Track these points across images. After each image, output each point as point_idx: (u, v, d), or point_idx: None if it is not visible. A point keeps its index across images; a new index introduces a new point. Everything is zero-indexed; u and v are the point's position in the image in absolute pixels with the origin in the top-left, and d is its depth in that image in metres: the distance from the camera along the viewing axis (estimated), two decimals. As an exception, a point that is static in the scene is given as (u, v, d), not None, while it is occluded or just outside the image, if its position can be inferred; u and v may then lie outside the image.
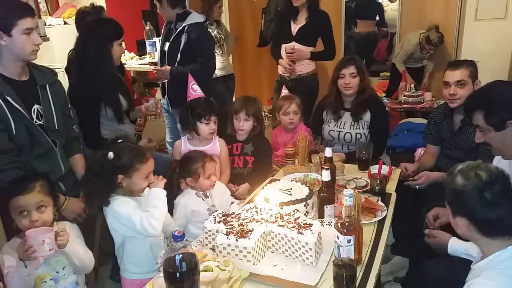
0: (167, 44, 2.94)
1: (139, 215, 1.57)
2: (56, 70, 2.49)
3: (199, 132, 2.24)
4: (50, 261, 1.54)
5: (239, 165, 2.40)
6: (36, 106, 1.87)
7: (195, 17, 2.94)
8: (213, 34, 4.03)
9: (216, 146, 2.30)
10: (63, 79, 2.72)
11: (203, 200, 1.92)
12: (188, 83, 2.26)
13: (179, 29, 2.90)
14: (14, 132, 1.77)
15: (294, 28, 3.30)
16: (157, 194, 1.63)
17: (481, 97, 1.74)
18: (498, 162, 1.80)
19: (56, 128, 1.95)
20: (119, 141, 1.67)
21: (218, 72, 4.12)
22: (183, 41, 2.88)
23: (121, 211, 1.58)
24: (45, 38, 2.73)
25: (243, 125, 2.36)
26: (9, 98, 1.75)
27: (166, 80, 2.94)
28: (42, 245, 1.40)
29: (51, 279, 1.54)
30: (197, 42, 2.88)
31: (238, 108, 2.36)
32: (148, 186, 1.67)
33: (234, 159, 2.40)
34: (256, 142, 2.41)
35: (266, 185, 1.97)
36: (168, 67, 2.89)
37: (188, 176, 1.90)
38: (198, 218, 1.87)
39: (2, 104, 1.74)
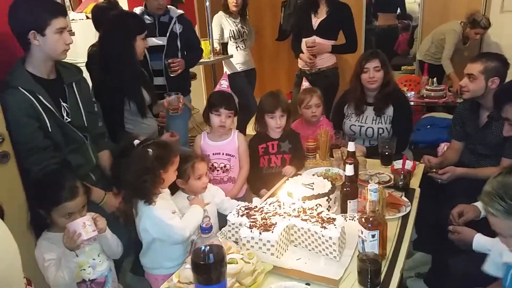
0: (162, 38, 2.96)
1: (177, 226, 1.61)
2: (79, 65, 2.55)
3: (210, 123, 2.24)
4: (85, 249, 1.59)
5: (276, 164, 2.32)
6: (63, 104, 1.91)
7: (176, 10, 3.06)
8: (236, 28, 4.04)
9: (235, 141, 2.29)
10: (85, 75, 2.77)
11: None
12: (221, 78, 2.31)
13: (171, 22, 2.97)
14: (50, 130, 1.81)
15: (315, 21, 3.28)
16: (197, 212, 1.70)
17: None
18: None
19: (85, 124, 1.99)
20: (136, 141, 1.68)
21: (240, 67, 4.15)
22: (178, 31, 2.95)
23: (162, 217, 1.60)
24: (71, 33, 2.76)
25: (281, 122, 2.25)
26: (41, 97, 1.79)
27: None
28: (85, 227, 1.49)
29: (89, 267, 1.60)
30: (190, 32, 3.06)
31: (272, 107, 2.23)
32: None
33: (270, 158, 2.33)
34: (292, 139, 2.34)
35: (288, 179, 1.97)
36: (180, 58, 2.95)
37: (178, 177, 1.80)
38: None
39: (36, 102, 1.78)
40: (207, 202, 1.83)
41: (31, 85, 1.78)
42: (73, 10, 3.84)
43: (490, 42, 4.36)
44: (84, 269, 1.59)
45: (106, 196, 1.93)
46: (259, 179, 2.33)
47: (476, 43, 4.44)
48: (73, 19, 3.57)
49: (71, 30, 2.87)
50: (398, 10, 5.83)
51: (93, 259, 1.61)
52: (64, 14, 1.84)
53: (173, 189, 1.84)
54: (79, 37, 3.24)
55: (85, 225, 1.49)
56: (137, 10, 3.03)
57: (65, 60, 2.02)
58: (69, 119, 1.91)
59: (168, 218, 1.62)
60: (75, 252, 1.52)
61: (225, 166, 2.28)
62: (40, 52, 1.80)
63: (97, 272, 1.61)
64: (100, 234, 1.57)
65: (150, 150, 1.62)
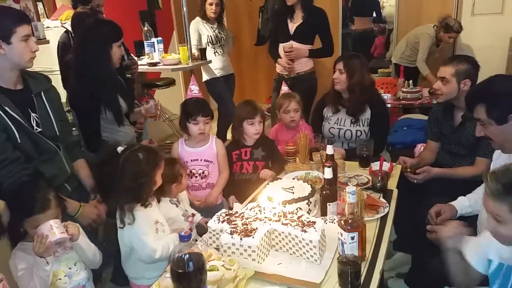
0: None
1: (152, 244, 1.58)
2: (54, 73, 2.49)
3: (189, 132, 2.24)
4: (61, 258, 1.56)
5: (248, 170, 2.35)
6: (33, 114, 1.87)
7: None
8: (214, 33, 4.04)
9: (213, 147, 2.29)
10: (60, 82, 2.72)
11: (177, 206, 1.89)
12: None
13: None
14: (19, 141, 1.77)
15: (292, 27, 3.31)
16: (174, 238, 1.66)
17: (483, 90, 1.75)
18: (498, 156, 1.82)
19: (57, 134, 1.95)
20: (120, 148, 1.66)
21: (218, 72, 4.15)
22: None
23: (138, 234, 1.58)
24: (45, 41, 2.72)
25: (260, 128, 2.29)
26: (7, 108, 1.74)
27: None
28: (52, 229, 1.44)
29: (65, 276, 1.57)
30: None
31: (251, 114, 2.27)
32: None
33: (242, 165, 2.35)
34: (265, 146, 2.36)
35: (268, 183, 1.98)
36: None
37: (173, 182, 1.83)
38: (175, 225, 1.80)
39: (2, 114, 1.73)
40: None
41: None
42: (47, 17, 3.77)
43: (462, 44, 4.48)
44: (59, 279, 1.55)
45: (81, 208, 1.89)
46: (231, 185, 2.35)
47: (449, 45, 4.57)
48: (48, 27, 3.51)
49: (45, 38, 2.84)
50: (374, 14, 5.94)
51: (69, 268, 1.57)
52: (28, 21, 1.82)
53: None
54: (54, 44, 3.20)
55: (52, 228, 1.45)
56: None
57: (34, 69, 1.98)
58: (39, 129, 1.87)
59: (144, 233, 1.59)
60: (46, 259, 1.47)
61: (203, 172, 2.28)
62: (6, 61, 1.76)
63: (73, 281, 1.57)
64: (74, 242, 1.54)
65: (140, 154, 1.61)
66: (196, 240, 1.68)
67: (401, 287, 2.24)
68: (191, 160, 2.27)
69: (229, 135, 4.20)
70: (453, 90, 2.23)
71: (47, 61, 3.26)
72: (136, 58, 3.45)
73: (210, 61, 3.98)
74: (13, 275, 1.53)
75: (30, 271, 1.51)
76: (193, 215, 1.97)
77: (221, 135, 4.08)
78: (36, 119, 1.87)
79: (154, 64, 3.68)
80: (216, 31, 4.08)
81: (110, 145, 1.71)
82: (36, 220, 1.51)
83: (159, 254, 1.59)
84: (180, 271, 1.04)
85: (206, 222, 1.81)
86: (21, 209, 1.56)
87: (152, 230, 1.62)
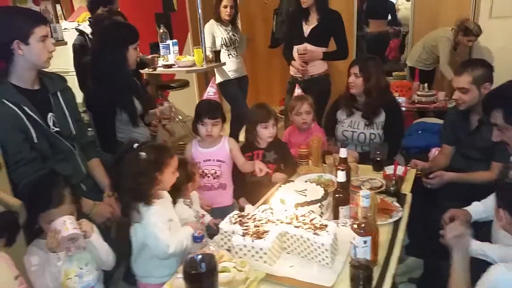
0: None
1: (166, 239, 1.58)
2: (70, 74, 2.54)
3: (198, 133, 2.26)
4: (73, 258, 1.57)
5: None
6: (50, 114, 1.90)
7: None
8: (228, 35, 4.07)
9: (225, 147, 2.30)
10: (76, 83, 2.76)
11: (190, 207, 1.90)
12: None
13: None
14: (36, 141, 1.80)
15: (306, 29, 3.31)
16: (188, 233, 1.66)
17: (500, 95, 1.72)
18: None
19: (73, 133, 1.98)
20: (136, 144, 1.69)
21: (232, 74, 4.17)
22: None
23: (152, 227, 1.59)
24: (63, 42, 2.77)
25: (273, 131, 2.31)
26: (26, 108, 1.78)
27: None
28: (65, 224, 1.46)
29: (75, 276, 1.58)
30: None
31: (265, 117, 2.28)
32: None
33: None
34: (278, 149, 2.37)
35: (280, 186, 1.98)
36: None
37: (188, 181, 1.87)
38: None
39: (21, 114, 1.76)
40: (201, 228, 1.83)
41: (15, 97, 1.77)
42: (65, 19, 3.84)
43: (480, 47, 4.42)
44: (70, 278, 1.56)
45: (95, 207, 1.92)
46: (242, 187, 2.36)
47: (466, 48, 4.50)
48: (65, 28, 3.57)
49: (63, 39, 2.89)
50: (389, 17, 5.89)
51: (80, 269, 1.58)
52: (45, 22, 1.85)
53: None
54: (71, 46, 3.26)
55: (65, 223, 1.46)
56: None
57: (51, 70, 2.02)
58: (56, 129, 1.90)
59: (159, 228, 1.60)
60: (58, 255, 1.49)
61: (215, 173, 2.29)
62: (24, 61, 1.80)
63: (83, 282, 1.58)
64: (87, 240, 1.55)
65: (142, 153, 1.62)
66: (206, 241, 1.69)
67: (413, 293, 2.22)
68: (204, 161, 2.28)
69: (241, 137, 4.23)
70: (475, 97, 2.20)
71: (64, 62, 3.32)
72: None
73: (224, 63, 4.01)
74: (27, 270, 1.55)
75: (43, 267, 1.53)
76: (203, 216, 1.99)
77: (234, 136, 4.09)
78: (53, 118, 1.91)
79: (169, 66, 3.71)
80: (230, 34, 4.10)
81: (127, 143, 1.73)
82: (50, 215, 1.53)
83: (173, 249, 1.58)
84: (192, 272, 1.04)
85: (215, 224, 1.83)
86: (36, 203, 1.59)
87: (166, 226, 1.63)
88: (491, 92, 1.98)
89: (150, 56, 3.38)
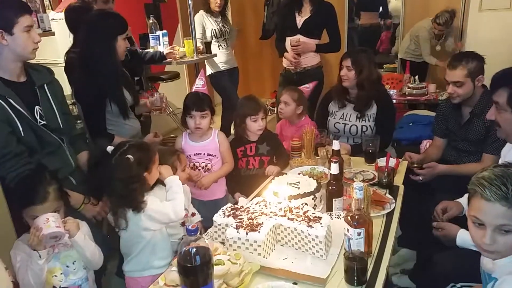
0: None
1: (168, 205, 1.61)
2: (59, 65, 2.48)
3: (187, 126, 2.24)
4: (60, 255, 1.55)
5: (254, 166, 2.34)
6: (37, 107, 1.86)
7: None
8: (218, 27, 4.02)
9: (215, 141, 2.28)
10: (63, 76, 2.70)
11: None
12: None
13: None
14: (22, 134, 1.76)
15: (299, 20, 3.28)
16: (173, 182, 1.68)
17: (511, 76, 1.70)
18: (507, 152, 1.80)
19: (61, 126, 1.94)
20: (109, 148, 1.62)
21: (222, 66, 4.13)
22: None
23: (155, 208, 1.59)
24: (50, 33, 2.71)
25: (263, 124, 2.29)
26: (11, 101, 1.73)
27: None
28: (47, 222, 1.43)
29: (61, 273, 1.55)
30: None
31: (254, 110, 2.26)
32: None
33: (248, 160, 2.34)
34: (270, 141, 2.36)
35: (273, 178, 1.97)
36: None
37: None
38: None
39: (6, 107, 1.72)
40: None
41: (1, 90, 1.73)
42: (52, 9, 3.76)
43: (469, 40, 4.45)
44: (55, 275, 1.54)
45: (82, 206, 1.88)
46: (237, 181, 2.34)
47: (457, 40, 4.55)
48: (53, 19, 3.49)
49: (51, 30, 2.83)
50: (381, 9, 5.88)
51: (67, 266, 1.56)
52: (30, 11, 1.81)
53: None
54: (59, 36, 3.19)
55: (48, 221, 1.43)
56: None
57: (39, 61, 1.97)
58: (43, 122, 1.86)
59: (159, 204, 1.61)
60: (38, 253, 1.45)
61: (206, 166, 2.27)
62: (9, 52, 1.75)
63: (69, 280, 1.55)
64: (71, 239, 1.52)
65: (130, 156, 1.56)
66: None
67: (405, 283, 2.24)
68: (194, 154, 2.26)
69: (233, 129, 4.21)
70: (469, 90, 2.20)
71: (52, 53, 3.26)
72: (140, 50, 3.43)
73: (215, 55, 3.97)
74: (13, 265, 1.52)
75: (26, 264, 1.49)
76: (193, 214, 1.97)
77: (225, 129, 4.08)
78: (40, 111, 1.87)
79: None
80: (220, 25, 4.06)
81: (102, 145, 1.68)
82: (33, 211, 1.51)
83: (181, 210, 1.62)
84: (187, 265, 1.03)
85: (205, 228, 1.79)
86: (20, 198, 1.56)
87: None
88: (505, 70, 1.93)
89: (168, 50, 3.30)
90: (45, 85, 1.92)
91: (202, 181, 2.22)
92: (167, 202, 1.63)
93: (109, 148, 1.60)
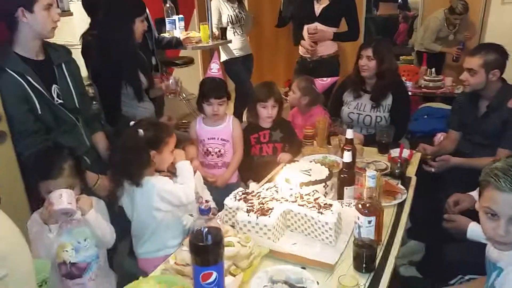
0: None
1: (182, 188, 1.64)
2: (75, 47, 2.49)
3: (204, 112, 2.24)
4: (72, 230, 1.57)
5: (268, 152, 2.35)
6: (54, 86, 1.88)
7: None
8: (234, 13, 4.01)
9: (230, 126, 2.29)
10: (80, 57, 2.72)
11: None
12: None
13: None
14: (39, 112, 1.78)
15: (318, 8, 3.25)
16: (184, 166, 1.70)
17: None
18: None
19: (77, 106, 1.96)
20: (132, 122, 1.67)
21: (237, 52, 4.12)
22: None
23: (168, 188, 1.62)
24: (69, 13, 2.72)
25: (272, 112, 2.28)
26: (30, 79, 1.75)
27: None
28: (60, 198, 1.45)
29: (72, 249, 1.57)
30: None
31: (265, 97, 2.26)
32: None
33: (262, 147, 2.35)
34: (283, 128, 2.37)
35: (285, 165, 1.98)
36: None
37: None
38: (189, 207, 1.76)
39: (24, 84, 1.74)
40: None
41: (19, 67, 1.75)
42: (70, -10, 3.78)
43: (490, 32, 4.36)
44: (66, 250, 1.55)
45: (99, 180, 1.91)
46: (250, 168, 2.35)
47: (476, 34, 4.47)
48: (71, 0, 3.52)
49: (69, 10, 2.84)
50: (400, 0, 5.80)
51: (78, 242, 1.57)
52: None
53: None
54: (77, 18, 3.20)
55: (61, 196, 1.45)
56: None
57: (56, 41, 1.98)
58: (60, 101, 1.88)
59: (171, 185, 1.64)
60: (49, 227, 1.48)
61: (219, 151, 2.29)
62: (29, 30, 1.76)
63: (79, 256, 1.57)
64: (82, 217, 1.54)
65: (140, 130, 1.60)
66: None
67: (413, 275, 2.24)
68: (208, 139, 2.28)
69: (245, 116, 4.22)
70: (481, 81, 2.17)
71: (69, 34, 3.27)
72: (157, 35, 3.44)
73: (230, 41, 3.95)
74: (29, 236, 1.54)
75: (38, 236, 1.52)
76: (207, 201, 1.98)
77: (237, 115, 4.08)
78: (58, 90, 1.89)
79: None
80: (237, 11, 4.04)
81: (127, 119, 1.72)
82: (47, 185, 1.53)
83: (191, 194, 1.65)
84: (199, 244, 1.05)
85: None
86: (37, 172, 1.59)
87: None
88: None
89: (184, 36, 3.33)
90: (63, 64, 1.94)
91: (217, 184, 2.26)
92: (179, 185, 1.66)
93: (132, 123, 1.63)
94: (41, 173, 1.57)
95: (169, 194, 1.62)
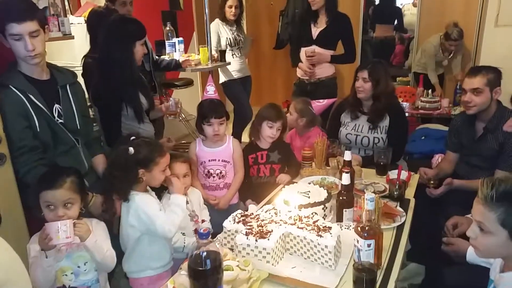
0: None
1: (162, 218, 1.62)
2: (76, 69, 2.53)
3: (204, 133, 2.25)
4: (72, 255, 1.57)
5: (265, 173, 2.37)
6: (56, 106, 1.90)
7: None
8: (232, 36, 4.07)
9: (230, 147, 2.31)
10: (80, 79, 2.76)
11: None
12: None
13: None
14: (38, 130, 1.80)
15: (315, 31, 3.31)
16: (178, 201, 1.69)
17: None
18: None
19: (78, 127, 1.98)
20: (132, 138, 1.69)
21: (236, 74, 4.17)
22: None
23: (146, 209, 1.61)
24: (70, 37, 2.77)
25: (276, 134, 2.32)
26: (31, 96, 1.78)
27: None
28: (58, 233, 1.44)
29: (71, 273, 1.57)
30: None
31: (275, 117, 2.29)
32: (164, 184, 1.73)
33: (259, 168, 2.37)
34: (281, 149, 2.38)
35: (284, 187, 1.98)
36: None
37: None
38: (181, 224, 1.76)
39: (26, 102, 1.77)
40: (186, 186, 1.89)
41: (22, 84, 1.78)
42: (72, 14, 3.84)
43: (484, 55, 4.42)
44: (65, 274, 1.56)
45: (93, 198, 1.89)
46: (248, 188, 2.36)
47: (470, 55, 4.54)
48: (72, 23, 3.57)
49: (71, 34, 2.88)
50: (395, 22, 5.89)
51: (78, 267, 1.57)
52: (21, 20, 1.67)
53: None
54: (77, 41, 3.25)
55: (58, 230, 1.44)
56: None
57: (58, 63, 2.01)
58: (61, 121, 1.90)
59: (155, 209, 1.63)
60: (45, 253, 1.48)
61: (220, 173, 2.29)
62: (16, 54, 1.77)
63: (79, 280, 1.57)
64: (81, 243, 1.53)
65: (131, 148, 1.62)
66: None
67: (413, 298, 2.21)
68: (209, 160, 2.28)
69: (244, 137, 4.23)
70: (487, 100, 2.19)
71: (69, 57, 3.32)
72: (156, 57, 3.49)
73: (229, 63, 4.01)
74: (28, 259, 1.54)
75: (37, 260, 1.51)
76: (203, 221, 1.99)
77: (236, 136, 4.09)
78: (59, 110, 1.91)
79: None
80: (235, 34, 4.11)
81: (128, 134, 1.74)
82: (44, 195, 1.53)
83: (174, 227, 1.63)
84: (197, 268, 1.04)
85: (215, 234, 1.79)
86: (39, 182, 1.59)
87: (157, 207, 1.66)
88: None
89: (184, 58, 3.40)
90: (68, 86, 1.96)
91: (220, 206, 2.26)
92: (162, 215, 1.63)
93: (131, 150, 1.63)
94: (44, 183, 1.57)
95: (147, 217, 1.62)
